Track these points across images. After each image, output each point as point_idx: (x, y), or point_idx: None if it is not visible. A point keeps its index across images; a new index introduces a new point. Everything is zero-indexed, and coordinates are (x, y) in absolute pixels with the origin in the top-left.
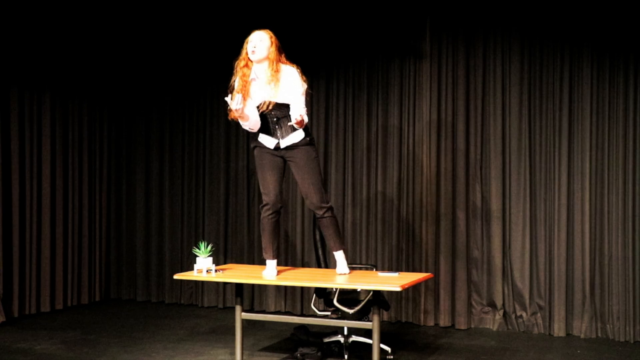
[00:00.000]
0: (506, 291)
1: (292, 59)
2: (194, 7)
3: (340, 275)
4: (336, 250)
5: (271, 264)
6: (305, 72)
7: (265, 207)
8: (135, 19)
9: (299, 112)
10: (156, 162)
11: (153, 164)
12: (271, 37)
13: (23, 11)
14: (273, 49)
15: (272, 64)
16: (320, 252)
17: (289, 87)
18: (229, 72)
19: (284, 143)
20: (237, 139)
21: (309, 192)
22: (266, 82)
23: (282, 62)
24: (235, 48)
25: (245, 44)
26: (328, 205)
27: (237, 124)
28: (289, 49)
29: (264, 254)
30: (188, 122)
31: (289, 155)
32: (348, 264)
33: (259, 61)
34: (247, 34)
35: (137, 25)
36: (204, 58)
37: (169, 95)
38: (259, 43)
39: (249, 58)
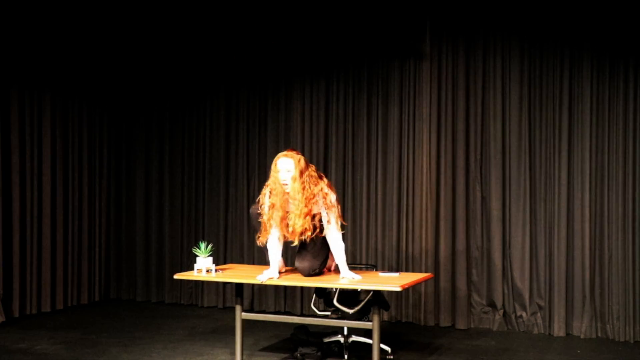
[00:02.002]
0: (506, 291)
1: (293, 59)
2: (194, 7)
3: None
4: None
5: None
6: (306, 73)
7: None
8: (136, 19)
9: (349, 275)
10: (156, 162)
11: (153, 164)
12: (296, 164)
13: (23, 11)
14: (297, 173)
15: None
16: None
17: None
18: (229, 72)
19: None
20: (237, 139)
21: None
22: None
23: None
24: (235, 49)
25: (273, 165)
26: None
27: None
28: (289, 50)
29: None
30: (188, 122)
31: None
32: (348, 263)
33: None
34: (247, 34)
35: (137, 24)
36: (204, 58)
37: (169, 96)
38: (287, 174)
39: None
